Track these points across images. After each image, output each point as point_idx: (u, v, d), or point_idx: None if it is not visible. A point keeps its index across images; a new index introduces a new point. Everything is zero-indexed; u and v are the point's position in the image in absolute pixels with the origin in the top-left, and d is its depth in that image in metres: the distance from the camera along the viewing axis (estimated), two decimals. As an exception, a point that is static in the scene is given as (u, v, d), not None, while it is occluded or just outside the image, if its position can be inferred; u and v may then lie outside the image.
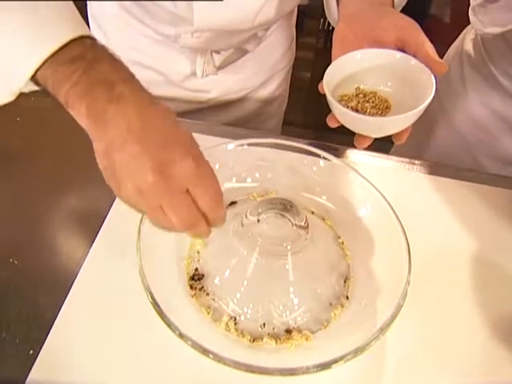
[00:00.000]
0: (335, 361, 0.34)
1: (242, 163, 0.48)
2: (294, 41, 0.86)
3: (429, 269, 0.47)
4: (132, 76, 0.34)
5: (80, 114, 0.32)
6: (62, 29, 0.33)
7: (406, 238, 0.41)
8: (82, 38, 0.33)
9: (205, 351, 0.33)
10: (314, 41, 1.49)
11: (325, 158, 0.48)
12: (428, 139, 0.97)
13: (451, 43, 0.94)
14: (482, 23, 0.65)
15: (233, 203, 0.49)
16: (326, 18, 1.49)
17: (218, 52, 0.68)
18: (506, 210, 0.56)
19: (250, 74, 0.78)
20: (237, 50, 0.70)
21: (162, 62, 0.70)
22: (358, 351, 0.34)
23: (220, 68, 0.71)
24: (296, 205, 0.42)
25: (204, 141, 0.37)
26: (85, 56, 0.33)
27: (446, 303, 0.46)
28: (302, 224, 0.41)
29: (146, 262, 0.37)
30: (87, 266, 0.45)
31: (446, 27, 1.48)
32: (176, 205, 0.32)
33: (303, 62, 1.64)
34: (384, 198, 0.44)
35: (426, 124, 0.98)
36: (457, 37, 0.92)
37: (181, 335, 0.34)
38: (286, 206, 0.41)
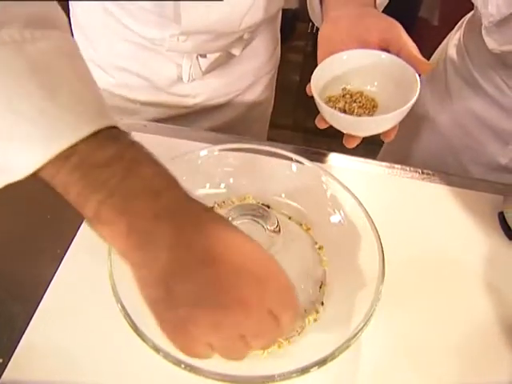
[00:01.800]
0: (308, 367, 0.34)
1: (217, 169, 0.47)
2: (279, 45, 0.86)
3: (407, 273, 0.47)
4: (175, 179, 0.29)
5: (118, 234, 0.26)
6: (86, 117, 0.26)
7: (381, 244, 0.41)
8: (108, 129, 0.27)
9: (177, 362, 0.33)
10: (303, 44, 1.49)
11: (301, 163, 0.48)
12: (414, 144, 0.97)
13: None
14: (497, 42, 0.65)
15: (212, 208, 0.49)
16: (310, 21, 1.50)
17: (203, 56, 0.68)
18: (487, 216, 0.56)
19: (236, 77, 0.78)
20: (223, 53, 0.70)
21: (147, 68, 0.70)
22: (331, 357, 0.34)
23: (206, 72, 0.71)
24: (268, 210, 0.42)
25: (187, 146, 0.37)
26: (122, 156, 0.27)
27: (420, 307, 0.46)
28: (274, 228, 0.41)
29: (117, 270, 0.37)
30: (60, 274, 0.45)
31: (435, 30, 1.49)
32: (264, 330, 0.28)
33: (292, 65, 1.65)
34: (360, 203, 0.44)
35: (411, 129, 0.98)
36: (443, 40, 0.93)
37: (154, 347, 0.33)
38: (258, 212, 0.41)
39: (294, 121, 1.81)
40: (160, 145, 0.56)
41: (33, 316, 0.41)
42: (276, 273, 0.29)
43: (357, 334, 0.36)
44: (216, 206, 0.49)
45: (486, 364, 0.42)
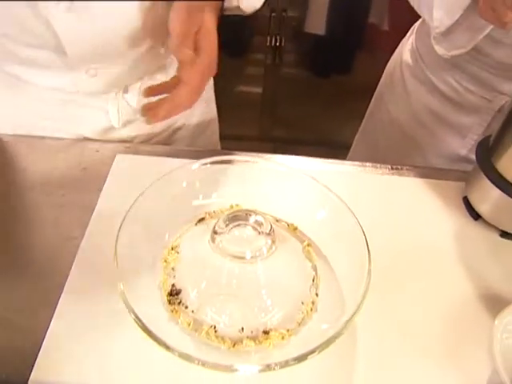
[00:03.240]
0: (309, 353, 0.37)
1: (208, 181, 0.50)
2: None
3: (390, 260, 0.51)
4: None
5: None
6: None
7: (364, 235, 0.45)
8: None
9: (190, 359, 0.36)
10: (262, 57, 1.54)
11: (282, 168, 0.52)
12: (380, 144, 1.03)
13: (392, 49, 1.01)
14: (446, 49, 0.70)
15: (201, 220, 0.52)
16: (273, 35, 1.57)
17: (126, 91, 0.64)
18: (454, 201, 0.61)
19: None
20: (146, 81, 0.64)
21: (72, 124, 0.65)
22: (330, 341, 0.38)
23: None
24: (260, 214, 0.45)
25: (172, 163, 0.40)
26: None
27: (406, 288, 0.50)
28: (268, 231, 0.44)
29: (126, 286, 0.39)
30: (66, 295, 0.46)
31: (386, 35, 1.58)
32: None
33: (254, 79, 1.71)
34: (340, 199, 0.48)
35: (376, 129, 1.05)
36: (396, 43, 1.00)
37: (167, 348, 0.36)
38: (250, 217, 0.44)
39: (260, 131, 1.86)
40: (146, 164, 0.59)
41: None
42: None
43: (349, 320, 0.39)
44: (207, 216, 0.52)
45: (468, 329, 0.47)
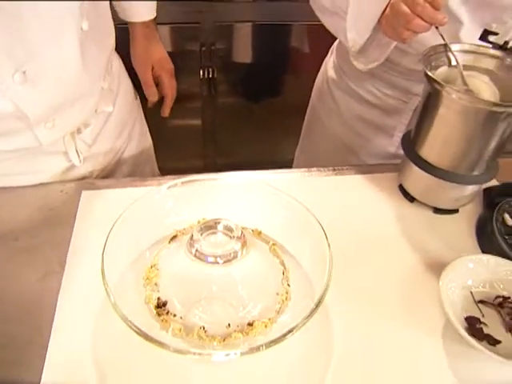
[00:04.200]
0: (287, 333, 0.42)
1: (174, 202, 0.55)
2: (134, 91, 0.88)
3: (347, 247, 0.58)
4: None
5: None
6: None
7: (322, 227, 0.51)
8: None
9: (187, 351, 0.40)
10: (198, 90, 1.62)
11: (238, 181, 0.58)
12: (318, 151, 1.13)
13: (315, 69, 1.12)
14: (363, 63, 0.80)
15: (174, 237, 0.56)
16: (205, 68, 1.64)
17: (80, 132, 0.68)
18: (391, 190, 0.70)
19: (117, 134, 0.79)
20: (99, 115, 0.70)
21: (32, 174, 0.66)
22: (304, 321, 0.43)
23: (93, 144, 0.71)
24: (229, 222, 0.51)
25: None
26: None
27: (364, 268, 0.58)
28: (238, 235, 0.50)
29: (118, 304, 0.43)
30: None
31: (308, 57, 1.71)
32: None
33: (192, 112, 1.77)
34: (298, 201, 0.54)
35: (314, 141, 1.15)
36: (318, 63, 1.11)
37: (176, 350, 0.39)
38: (222, 224, 0.50)
39: (204, 162, 1.91)
40: (110, 196, 0.63)
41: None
42: None
43: (320, 302, 0.44)
44: (179, 233, 0.56)
45: (419, 291, 0.55)
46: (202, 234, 0.49)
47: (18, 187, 0.64)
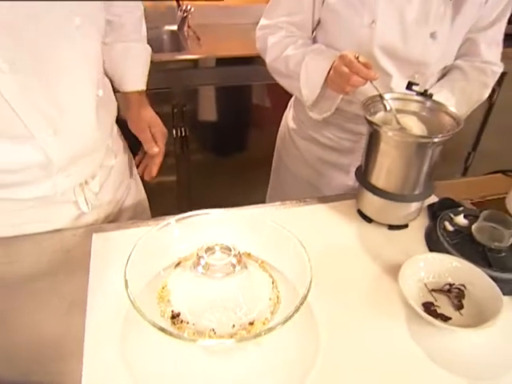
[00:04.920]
0: (279, 323, 0.52)
1: (176, 235, 0.67)
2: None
3: (321, 259, 0.70)
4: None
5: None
6: None
7: (303, 245, 0.63)
8: None
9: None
10: (172, 148, 1.75)
11: (226, 214, 0.70)
12: (286, 193, 1.28)
13: (277, 121, 1.29)
14: (317, 114, 0.97)
15: (178, 264, 0.66)
16: (177, 128, 1.81)
17: (87, 183, 0.79)
18: (351, 214, 0.84)
19: (118, 184, 0.91)
20: (102, 168, 0.83)
21: (45, 222, 0.76)
22: (291, 315, 0.53)
23: (98, 193, 0.82)
24: (226, 243, 0.62)
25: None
26: None
27: (336, 276, 0.70)
28: (237, 254, 0.61)
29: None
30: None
31: (269, 111, 1.90)
32: None
33: (167, 169, 1.90)
34: (282, 227, 0.66)
35: (281, 184, 1.30)
36: (279, 116, 1.29)
37: (192, 339, 0.49)
38: (222, 246, 0.61)
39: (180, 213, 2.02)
40: (118, 237, 0.73)
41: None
42: None
43: (302, 303, 0.54)
44: (182, 260, 0.67)
45: (384, 289, 0.68)
46: (206, 253, 0.60)
47: (34, 234, 0.73)
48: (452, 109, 0.76)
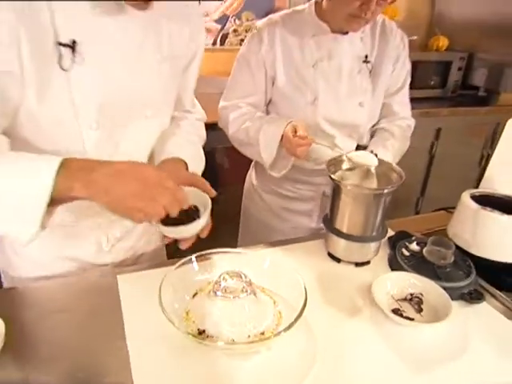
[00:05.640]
0: (286, 328, 0.68)
1: (192, 271, 0.82)
2: None
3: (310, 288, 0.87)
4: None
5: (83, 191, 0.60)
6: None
7: (299, 274, 0.80)
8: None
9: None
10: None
11: (237, 252, 0.86)
12: (257, 235, 1.46)
13: (241, 180, 1.50)
14: (276, 172, 1.19)
15: (195, 294, 0.81)
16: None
17: (110, 226, 0.93)
18: (322, 255, 1.01)
19: (137, 237, 1.04)
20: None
21: (75, 251, 0.93)
22: (291, 326, 0.69)
23: (120, 239, 0.97)
24: (240, 271, 0.78)
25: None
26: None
27: (321, 299, 0.87)
28: (247, 280, 0.76)
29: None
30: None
31: (232, 172, 2.11)
32: (162, 192, 0.65)
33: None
34: (295, 270, 0.83)
35: (249, 231, 1.49)
36: (243, 175, 1.50)
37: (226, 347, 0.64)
38: (235, 273, 0.77)
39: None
40: (140, 277, 0.87)
41: None
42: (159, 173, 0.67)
43: (300, 315, 0.70)
44: (199, 291, 0.82)
45: (360, 306, 0.86)
46: (223, 279, 0.75)
47: (60, 276, 0.88)
48: (396, 166, 0.97)
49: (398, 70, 1.23)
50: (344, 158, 0.97)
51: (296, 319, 0.70)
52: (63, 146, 0.75)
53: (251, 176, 1.43)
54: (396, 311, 0.80)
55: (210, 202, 0.80)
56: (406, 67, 1.25)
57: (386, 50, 1.18)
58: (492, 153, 1.12)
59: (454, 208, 1.06)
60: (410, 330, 0.78)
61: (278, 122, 1.13)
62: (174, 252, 0.98)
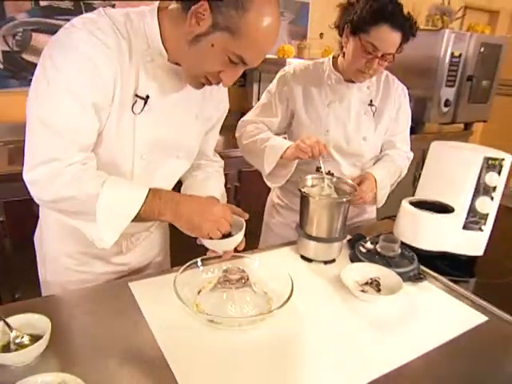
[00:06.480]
0: (278, 307, 0.88)
1: (199, 272, 1.00)
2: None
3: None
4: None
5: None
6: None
7: (289, 274, 1.00)
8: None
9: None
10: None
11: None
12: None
13: (262, 201, 1.72)
14: (276, 182, 1.42)
15: (199, 291, 0.98)
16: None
17: (132, 235, 1.14)
18: (295, 256, 1.23)
19: (150, 247, 1.23)
20: (144, 232, 1.18)
21: (101, 262, 1.13)
22: (283, 304, 0.89)
23: (136, 245, 1.17)
24: (239, 267, 0.96)
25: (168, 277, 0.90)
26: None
27: (302, 293, 1.06)
28: (245, 274, 0.95)
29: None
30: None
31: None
32: (221, 220, 0.93)
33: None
34: (280, 266, 1.03)
35: (267, 238, 1.68)
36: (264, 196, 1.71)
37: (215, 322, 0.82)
38: (236, 268, 0.95)
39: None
40: (151, 282, 1.03)
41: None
42: (221, 205, 0.98)
43: (287, 300, 0.91)
44: (202, 288, 0.99)
45: (333, 293, 1.06)
46: (227, 272, 0.94)
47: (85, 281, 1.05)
48: (349, 181, 1.24)
49: (400, 115, 1.51)
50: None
51: (287, 300, 0.90)
52: (118, 163, 0.96)
53: (272, 195, 1.67)
54: (361, 292, 1.02)
55: (244, 223, 1.01)
56: (407, 113, 1.53)
57: (388, 97, 1.47)
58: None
59: (395, 216, 1.32)
60: (373, 304, 1.00)
61: (285, 140, 1.38)
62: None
